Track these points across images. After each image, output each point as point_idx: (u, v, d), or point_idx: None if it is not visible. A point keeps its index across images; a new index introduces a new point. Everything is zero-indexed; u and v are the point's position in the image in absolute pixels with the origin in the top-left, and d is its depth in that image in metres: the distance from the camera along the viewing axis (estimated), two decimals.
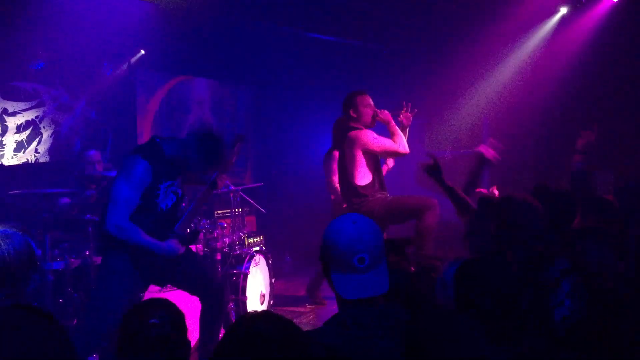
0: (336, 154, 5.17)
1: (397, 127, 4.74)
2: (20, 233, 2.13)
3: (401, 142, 4.70)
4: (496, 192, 4.36)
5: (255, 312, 1.56)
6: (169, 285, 4.21)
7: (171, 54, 7.00)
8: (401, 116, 4.83)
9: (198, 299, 3.75)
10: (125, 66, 6.78)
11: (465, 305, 1.96)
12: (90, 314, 3.49)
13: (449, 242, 4.68)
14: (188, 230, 3.64)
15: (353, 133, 4.70)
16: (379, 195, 4.73)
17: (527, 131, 6.86)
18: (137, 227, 3.29)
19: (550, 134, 6.81)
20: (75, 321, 4.40)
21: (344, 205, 5.16)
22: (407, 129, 4.86)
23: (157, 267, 3.47)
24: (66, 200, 4.98)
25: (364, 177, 4.73)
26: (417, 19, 6.95)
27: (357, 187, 4.72)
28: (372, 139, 4.69)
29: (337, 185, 5.63)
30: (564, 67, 6.63)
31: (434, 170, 3.75)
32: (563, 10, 6.80)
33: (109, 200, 3.29)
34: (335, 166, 5.49)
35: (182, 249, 3.49)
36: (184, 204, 3.92)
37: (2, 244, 2.06)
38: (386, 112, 4.78)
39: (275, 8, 6.38)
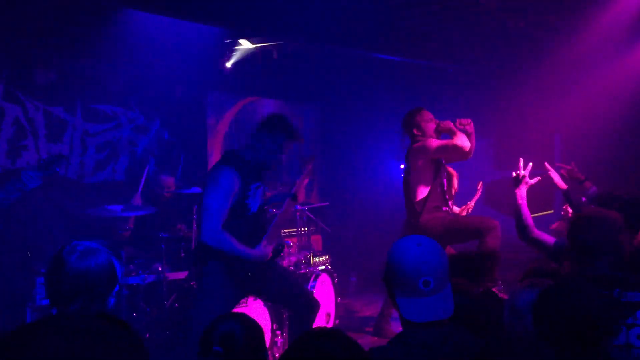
0: None
1: (458, 130, 4.68)
2: (106, 251, 2.16)
3: (461, 137, 4.61)
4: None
5: (322, 328, 1.59)
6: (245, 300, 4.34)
7: (240, 75, 7.19)
8: (457, 124, 4.74)
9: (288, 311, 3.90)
10: (196, 88, 7.03)
11: (545, 334, 1.92)
12: (194, 330, 3.57)
13: (510, 264, 4.56)
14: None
15: (416, 144, 4.75)
16: (438, 214, 4.69)
17: (601, 147, 6.64)
18: (230, 236, 3.45)
19: (624, 150, 6.58)
20: (147, 335, 4.56)
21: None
22: (472, 136, 4.80)
23: (252, 277, 3.61)
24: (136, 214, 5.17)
25: (421, 191, 4.74)
26: (484, 38, 6.87)
27: (413, 204, 4.73)
28: (430, 141, 4.69)
29: None
30: (638, 87, 6.40)
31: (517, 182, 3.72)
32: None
33: (202, 212, 3.49)
34: None
35: (270, 252, 3.61)
36: (270, 212, 4.06)
37: (87, 257, 2.10)
38: (448, 121, 4.77)
39: (340, 29, 6.47)
